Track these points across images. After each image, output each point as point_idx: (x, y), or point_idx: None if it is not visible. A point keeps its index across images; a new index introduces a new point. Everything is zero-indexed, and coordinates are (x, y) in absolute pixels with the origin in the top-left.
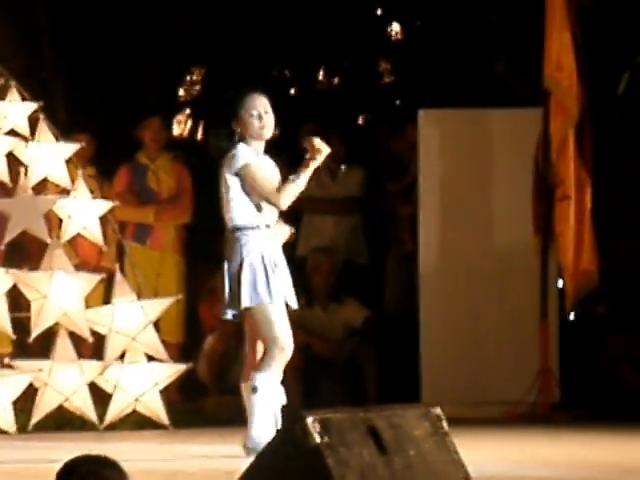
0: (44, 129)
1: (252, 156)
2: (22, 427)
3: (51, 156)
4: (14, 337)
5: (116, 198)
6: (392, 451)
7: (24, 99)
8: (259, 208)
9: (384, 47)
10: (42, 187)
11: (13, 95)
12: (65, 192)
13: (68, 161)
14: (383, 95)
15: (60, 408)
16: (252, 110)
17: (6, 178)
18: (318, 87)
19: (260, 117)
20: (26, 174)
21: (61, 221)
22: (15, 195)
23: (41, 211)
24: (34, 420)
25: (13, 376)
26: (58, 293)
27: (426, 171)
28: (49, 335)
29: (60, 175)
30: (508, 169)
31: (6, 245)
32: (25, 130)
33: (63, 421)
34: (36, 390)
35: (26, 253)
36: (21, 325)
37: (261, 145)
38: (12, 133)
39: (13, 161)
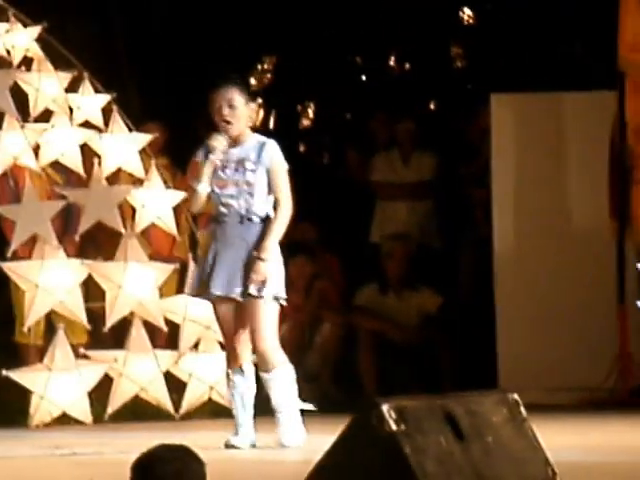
0: (117, 120)
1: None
2: (98, 417)
3: (124, 147)
4: (89, 327)
5: (189, 187)
6: (470, 438)
7: (97, 90)
8: None
9: (455, 31)
10: (116, 178)
11: (86, 87)
12: (138, 182)
13: (141, 151)
14: (455, 80)
15: (135, 398)
16: (214, 103)
17: (80, 169)
18: (389, 73)
19: (220, 111)
20: (100, 165)
21: (134, 211)
22: (89, 186)
23: (115, 201)
24: (110, 410)
25: (88, 366)
26: (132, 283)
27: (499, 155)
28: (124, 325)
29: (133, 165)
30: (583, 152)
31: (80, 236)
32: (99, 121)
33: (138, 411)
34: (111, 380)
35: (100, 244)
36: (96, 315)
37: (235, 140)
38: (86, 124)
39: (87, 152)
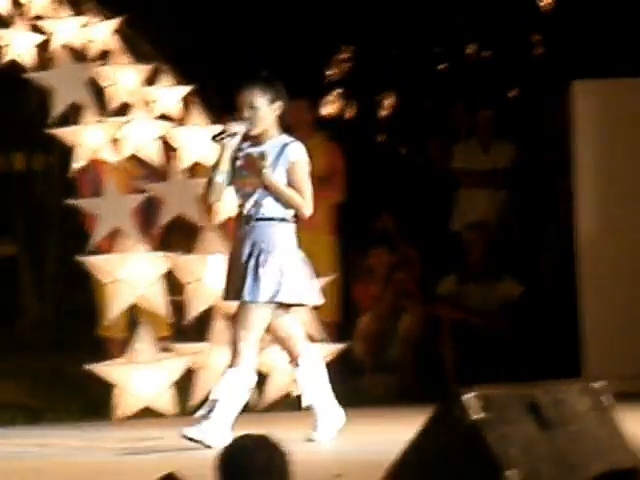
0: (195, 112)
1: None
2: (181, 410)
3: (202, 139)
4: (171, 320)
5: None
6: (554, 426)
7: (176, 83)
8: None
9: (534, 17)
10: (194, 170)
11: (165, 79)
12: None
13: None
14: (535, 67)
15: None
16: (239, 103)
17: (159, 162)
18: (468, 62)
19: (241, 113)
20: (179, 158)
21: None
22: (168, 179)
23: (193, 194)
24: (193, 402)
25: (171, 359)
26: (212, 276)
27: (581, 143)
28: (206, 318)
29: (211, 158)
30: None
31: (162, 228)
32: (177, 114)
33: None
34: (194, 373)
35: (180, 237)
36: (178, 308)
37: (257, 139)
38: (164, 117)
39: (165, 145)
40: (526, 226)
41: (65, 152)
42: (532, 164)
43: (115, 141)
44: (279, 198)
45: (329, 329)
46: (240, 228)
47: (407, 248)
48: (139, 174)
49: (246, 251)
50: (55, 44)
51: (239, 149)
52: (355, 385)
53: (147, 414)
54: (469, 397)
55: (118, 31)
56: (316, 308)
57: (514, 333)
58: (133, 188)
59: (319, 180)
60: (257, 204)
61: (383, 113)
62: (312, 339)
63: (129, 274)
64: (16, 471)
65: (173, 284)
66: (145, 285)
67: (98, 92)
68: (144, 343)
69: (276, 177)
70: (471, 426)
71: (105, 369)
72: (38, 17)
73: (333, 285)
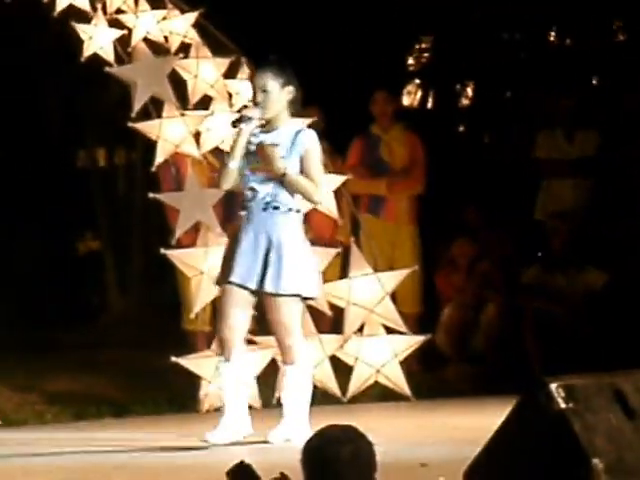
0: None
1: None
2: (266, 401)
3: None
4: (255, 313)
5: (349, 170)
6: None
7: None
8: None
9: (616, 3)
10: None
11: (244, 72)
12: None
13: None
14: (617, 54)
15: None
16: (252, 87)
17: None
18: (549, 49)
19: (255, 95)
20: None
21: None
22: None
23: None
24: (277, 394)
25: (256, 351)
26: None
27: None
28: None
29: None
30: None
31: None
32: None
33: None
34: (278, 365)
35: None
36: (262, 301)
37: (270, 125)
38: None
39: None
40: (610, 215)
41: (147, 146)
42: (616, 153)
43: (197, 134)
44: (292, 188)
45: (411, 321)
46: (253, 214)
47: (490, 238)
48: (219, 167)
49: (263, 239)
50: (136, 38)
51: (252, 134)
52: (438, 376)
53: None
54: (555, 386)
55: (197, 24)
56: (395, 300)
57: (598, 322)
58: (215, 181)
59: (400, 171)
60: (274, 192)
61: (464, 102)
62: (394, 331)
63: (212, 267)
64: (102, 466)
65: None
66: None
67: (179, 85)
68: None
69: (289, 165)
70: (557, 415)
71: (191, 362)
72: (119, 11)
73: (415, 276)
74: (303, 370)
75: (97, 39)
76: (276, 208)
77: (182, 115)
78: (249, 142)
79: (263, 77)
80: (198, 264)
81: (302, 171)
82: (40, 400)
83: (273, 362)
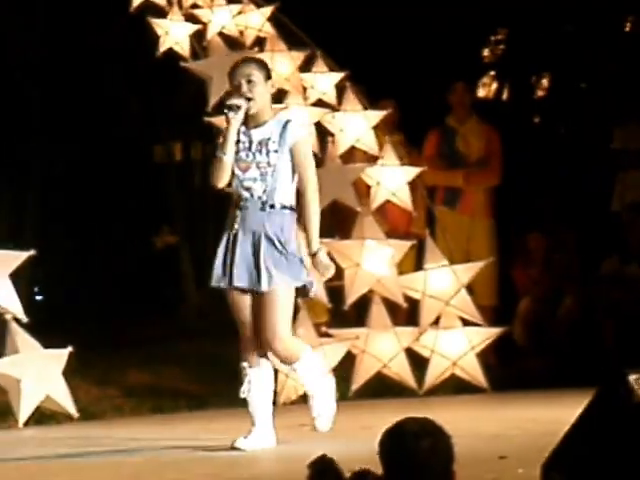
0: (351, 97)
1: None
2: (342, 395)
3: (358, 124)
4: (330, 306)
5: (425, 162)
6: None
7: (331, 69)
8: None
9: None
10: (350, 155)
11: (319, 65)
12: (373, 159)
13: (375, 128)
14: None
15: (378, 375)
16: (233, 81)
17: (315, 148)
18: (625, 41)
19: (239, 88)
20: (334, 143)
21: (370, 188)
22: (324, 165)
23: (350, 179)
24: (354, 387)
25: (331, 344)
26: (370, 260)
27: None
28: (364, 302)
29: (368, 142)
30: None
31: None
32: (332, 99)
33: (382, 388)
34: (354, 357)
35: (337, 222)
36: (336, 294)
37: (256, 119)
38: (319, 103)
39: (321, 131)
40: None
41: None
42: None
43: None
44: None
45: (487, 313)
46: (250, 214)
47: (566, 230)
48: None
49: (260, 238)
50: (211, 33)
51: (241, 132)
52: (515, 368)
53: (309, 399)
54: (634, 378)
55: (272, 18)
56: (471, 292)
57: None
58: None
59: (477, 163)
60: (270, 190)
61: (539, 94)
62: (471, 323)
63: None
64: (180, 458)
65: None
66: None
67: None
68: (304, 329)
69: (281, 158)
70: (637, 407)
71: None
72: (194, 6)
73: (491, 268)
74: (312, 361)
75: (173, 34)
76: (272, 207)
77: None
78: (238, 140)
79: (249, 67)
80: None
81: (293, 163)
82: (118, 393)
83: (348, 354)
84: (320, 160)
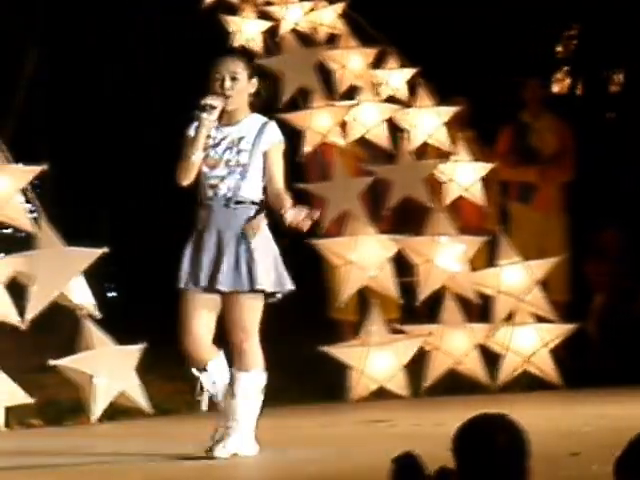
0: (423, 94)
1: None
2: (415, 391)
3: (430, 120)
4: (402, 302)
5: (498, 158)
6: None
7: (402, 65)
8: None
9: None
10: (422, 151)
11: (391, 62)
12: (445, 156)
13: (447, 125)
14: None
15: (451, 371)
16: (216, 73)
17: (387, 144)
18: None
19: (222, 82)
20: (406, 139)
21: (442, 185)
22: (396, 161)
23: (422, 176)
24: (426, 384)
25: (404, 341)
26: (443, 257)
27: None
28: (436, 299)
29: (440, 139)
30: None
31: (391, 211)
32: (404, 96)
33: (454, 384)
34: (427, 354)
35: (410, 218)
36: (408, 290)
37: (232, 116)
38: (391, 99)
39: (394, 127)
40: None
41: (293, 136)
42: None
43: (343, 124)
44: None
45: (561, 309)
46: (214, 212)
47: None
48: (366, 156)
49: (227, 236)
50: (283, 29)
51: (215, 127)
52: (588, 365)
53: (382, 395)
54: None
55: (344, 15)
56: (545, 288)
57: None
58: (361, 171)
59: (550, 158)
60: (235, 186)
61: (613, 89)
62: (544, 319)
63: (360, 257)
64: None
65: (403, 265)
66: (376, 267)
67: (326, 76)
68: (376, 325)
69: (253, 159)
70: None
71: (339, 351)
72: (267, 3)
73: (564, 264)
74: (255, 378)
75: (245, 31)
76: (238, 203)
77: (329, 105)
78: (209, 136)
79: (235, 64)
80: (346, 253)
81: (265, 166)
82: (191, 389)
83: (421, 351)
84: (392, 157)
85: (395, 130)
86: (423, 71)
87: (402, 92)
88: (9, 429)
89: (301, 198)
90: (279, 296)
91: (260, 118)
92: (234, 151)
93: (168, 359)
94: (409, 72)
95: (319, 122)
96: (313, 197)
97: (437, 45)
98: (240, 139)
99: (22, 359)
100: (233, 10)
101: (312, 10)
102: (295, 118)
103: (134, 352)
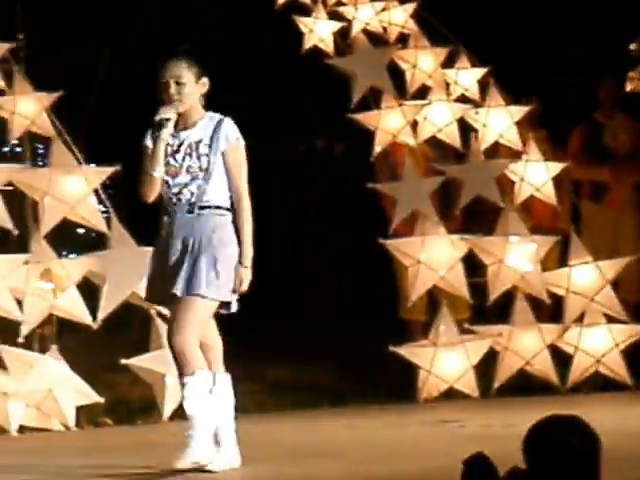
0: (494, 93)
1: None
2: (485, 391)
3: (502, 120)
4: (472, 302)
5: (571, 157)
6: None
7: (473, 65)
8: None
9: None
10: (493, 151)
11: (462, 61)
12: (516, 155)
13: (518, 124)
14: None
15: (521, 371)
16: (161, 78)
17: (458, 144)
18: None
19: (167, 88)
20: (477, 139)
21: (513, 184)
22: (467, 160)
23: (493, 175)
24: (496, 384)
25: (473, 341)
26: (514, 256)
27: None
28: (507, 299)
29: (511, 138)
30: None
31: (461, 210)
32: (475, 95)
33: (524, 384)
34: (497, 354)
35: (481, 218)
36: (478, 290)
37: (185, 119)
38: (462, 99)
39: (464, 127)
40: None
41: (364, 136)
42: None
43: (414, 124)
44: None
45: (633, 309)
46: (177, 219)
47: None
48: (437, 156)
49: (192, 242)
50: (355, 29)
51: (171, 135)
52: None
53: (451, 395)
54: None
55: (415, 14)
56: (617, 289)
57: None
58: (431, 170)
59: (624, 158)
60: (199, 192)
61: None
62: (615, 320)
63: (430, 257)
64: (315, 453)
65: (473, 266)
66: (446, 267)
67: (397, 75)
68: (446, 325)
69: (214, 161)
70: None
71: (409, 351)
72: (339, 3)
73: (636, 264)
74: (203, 381)
75: (317, 31)
76: (202, 208)
77: (400, 105)
78: (167, 144)
79: (177, 67)
80: (415, 253)
81: (226, 166)
82: (261, 389)
83: (491, 351)
84: (463, 156)
85: (466, 129)
86: (494, 70)
87: (473, 91)
88: (80, 428)
89: (372, 198)
90: (233, 308)
91: (215, 117)
92: (194, 156)
93: (238, 359)
94: (480, 71)
95: (390, 122)
96: (384, 197)
97: (509, 44)
98: (198, 143)
99: (93, 358)
100: (305, 11)
101: (383, 10)
102: (366, 118)
103: None
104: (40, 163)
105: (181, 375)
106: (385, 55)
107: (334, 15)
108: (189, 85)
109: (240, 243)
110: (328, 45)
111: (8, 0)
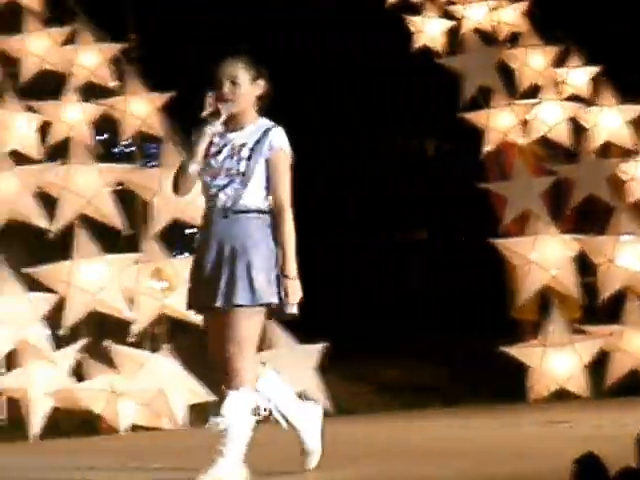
0: (606, 92)
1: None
2: (595, 391)
3: (613, 119)
4: (584, 302)
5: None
6: None
7: (585, 63)
8: None
9: None
10: (605, 150)
11: (574, 60)
12: (628, 154)
13: (631, 123)
14: None
15: (632, 372)
16: (216, 79)
17: (569, 143)
18: None
19: (221, 88)
20: (588, 138)
21: (625, 183)
22: (579, 160)
23: (605, 175)
24: (607, 384)
25: (584, 341)
26: (624, 256)
27: None
28: (619, 299)
29: (622, 137)
30: None
31: (573, 210)
32: (587, 94)
33: (636, 384)
34: (608, 354)
35: (593, 217)
36: (590, 290)
37: (235, 121)
38: (574, 98)
39: (575, 126)
40: None
41: (473, 135)
42: None
43: (524, 123)
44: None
45: None
46: (214, 223)
47: None
48: (547, 156)
49: (227, 249)
50: (465, 28)
51: (216, 134)
52: None
53: (562, 395)
54: None
55: (526, 13)
56: None
57: None
58: (541, 170)
59: None
60: (235, 195)
61: None
62: None
63: (540, 256)
64: (418, 453)
65: (585, 265)
66: (557, 267)
67: (507, 74)
68: (557, 325)
69: (254, 167)
70: None
71: (520, 351)
72: (449, 2)
73: None
74: (245, 397)
75: (427, 31)
76: (237, 212)
77: (510, 104)
78: (211, 143)
79: (233, 67)
80: (526, 253)
81: (268, 174)
82: (372, 389)
83: (603, 351)
84: (573, 155)
85: (578, 128)
86: (606, 69)
87: (584, 90)
88: (193, 427)
89: (482, 197)
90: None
91: (266, 124)
92: (234, 159)
93: (349, 359)
94: (592, 70)
95: (500, 121)
96: (494, 196)
97: (621, 42)
98: (241, 146)
99: (204, 356)
100: (415, 10)
101: (494, 9)
102: (476, 117)
103: (315, 351)
104: (151, 164)
105: (227, 387)
106: (495, 54)
107: (444, 14)
108: (244, 86)
109: (284, 252)
110: (438, 44)
111: (120, 1)
